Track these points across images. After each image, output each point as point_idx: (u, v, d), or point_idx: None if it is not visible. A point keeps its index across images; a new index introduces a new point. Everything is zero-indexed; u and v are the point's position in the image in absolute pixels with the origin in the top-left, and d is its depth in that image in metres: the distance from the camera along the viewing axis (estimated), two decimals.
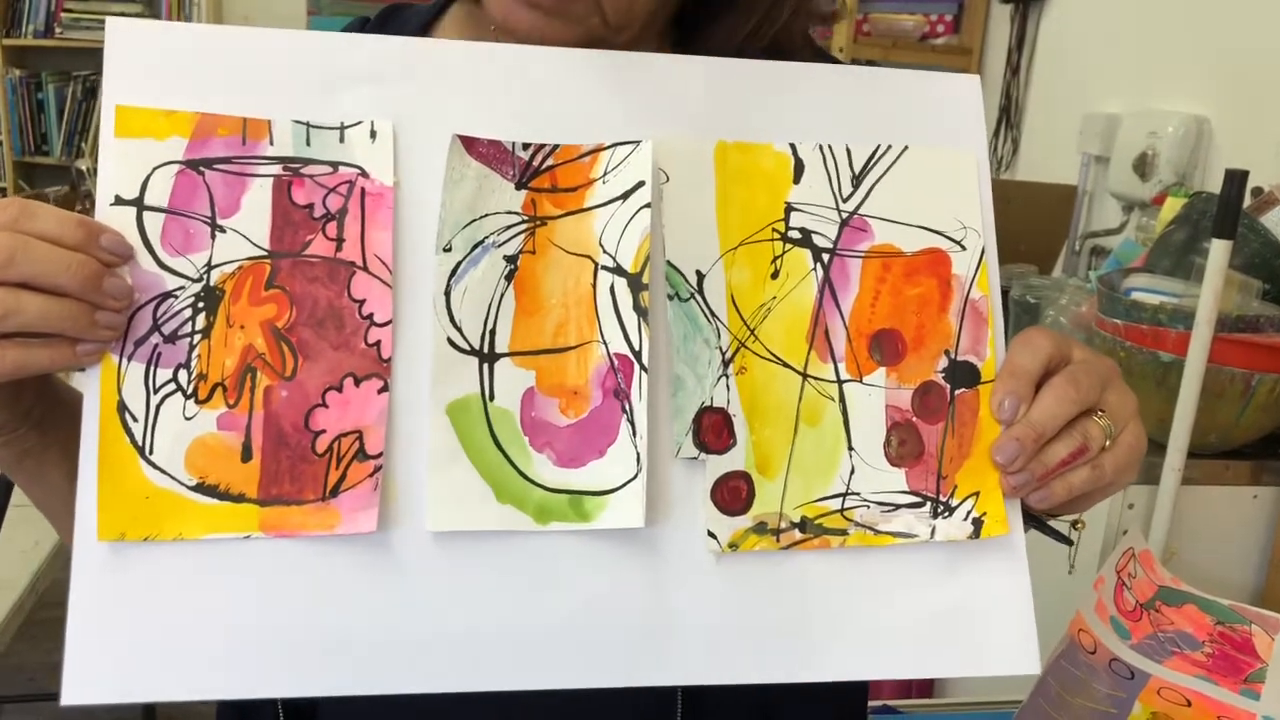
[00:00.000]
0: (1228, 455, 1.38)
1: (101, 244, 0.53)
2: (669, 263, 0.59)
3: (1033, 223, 2.11)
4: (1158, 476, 1.31)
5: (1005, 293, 1.49)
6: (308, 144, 0.57)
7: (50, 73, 4.43)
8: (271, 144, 0.57)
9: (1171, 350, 1.30)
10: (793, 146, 0.61)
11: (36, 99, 4.43)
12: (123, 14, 4.04)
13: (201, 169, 0.56)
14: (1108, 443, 0.59)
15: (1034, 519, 0.64)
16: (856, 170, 0.62)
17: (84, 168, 3.13)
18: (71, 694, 0.53)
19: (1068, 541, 0.68)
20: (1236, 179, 1.20)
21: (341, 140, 0.57)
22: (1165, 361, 1.30)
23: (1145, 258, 1.55)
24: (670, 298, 0.59)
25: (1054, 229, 2.22)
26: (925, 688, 1.79)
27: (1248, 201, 1.23)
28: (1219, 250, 1.22)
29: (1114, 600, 1.12)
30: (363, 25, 0.74)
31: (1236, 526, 1.40)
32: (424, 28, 0.73)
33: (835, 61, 0.72)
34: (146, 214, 0.55)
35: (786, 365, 0.60)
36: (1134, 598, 1.13)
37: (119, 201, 0.55)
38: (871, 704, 1.33)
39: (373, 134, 0.58)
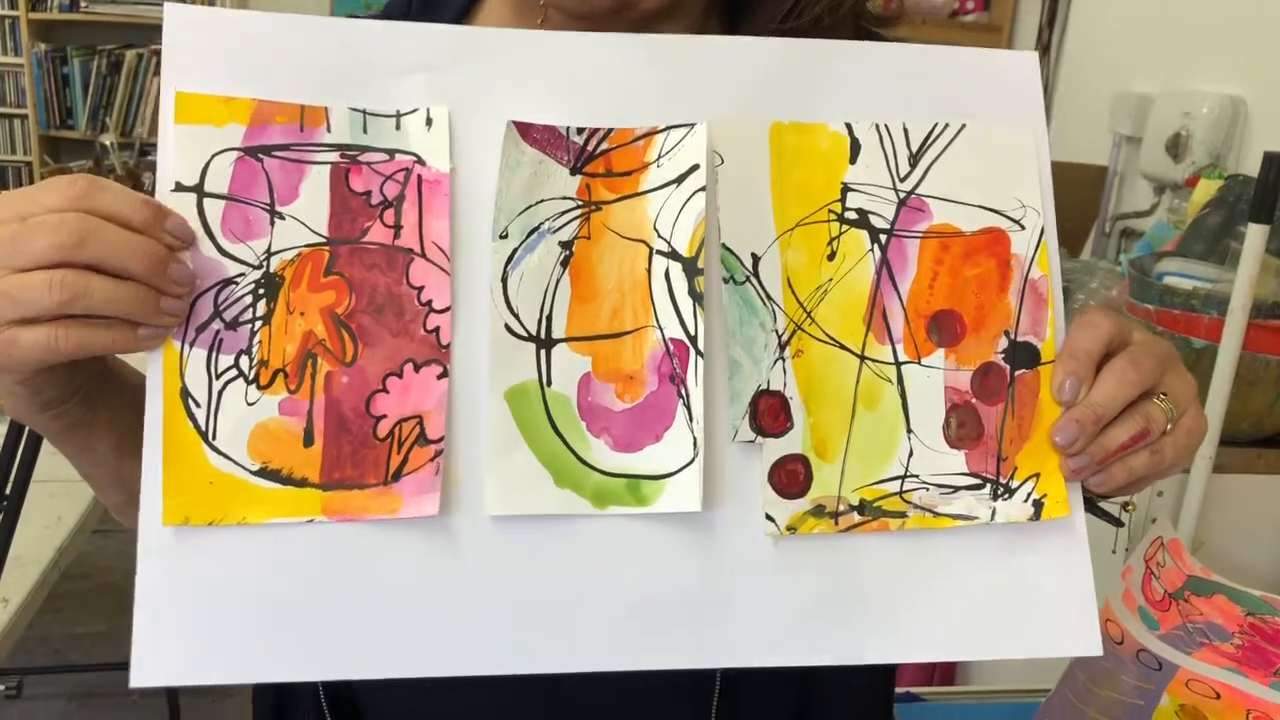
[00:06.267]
0: (1260, 444, 1.36)
1: (166, 227, 0.54)
2: (724, 246, 0.59)
3: (1063, 204, 2.08)
4: (1188, 465, 1.30)
5: None
6: (364, 131, 0.57)
7: (75, 47, 4.44)
8: (329, 131, 0.57)
9: (1204, 337, 1.28)
10: (849, 126, 0.61)
11: (62, 73, 4.44)
12: None
13: (260, 156, 0.56)
14: (1169, 426, 0.58)
15: (1085, 500, 0.63)
16: (914, 149, 0.61)
17: (108, 142, 3.14)
18: (140, 676, 0.53)
19: (1118, 523, 0.69)
20: (1275, 162, 1.19)
21: (398, 127, 0.58)
22: (1198, 348, 1.29)
23: (1179, 241, 1.54)
24: (726, 281, 0.59)
25: (1084, 210, 2.20)
26: (947, 675, 1.79)
27: None
28: (1255, 235, 1.20)
29: (1142, 590, 1.11)
30: (406, 4, 0.74)
31: (1268, 516, 1.39)
32: (468, 5, 0.73)
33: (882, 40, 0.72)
34: (206, 201, 0.55)
35: (844, 347, 0.59)
36: (1162, 587, 1.12)
37: (180, 188, 0.55)
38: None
39: (428, 121, 0.58)
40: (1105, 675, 1.07)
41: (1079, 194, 2.19)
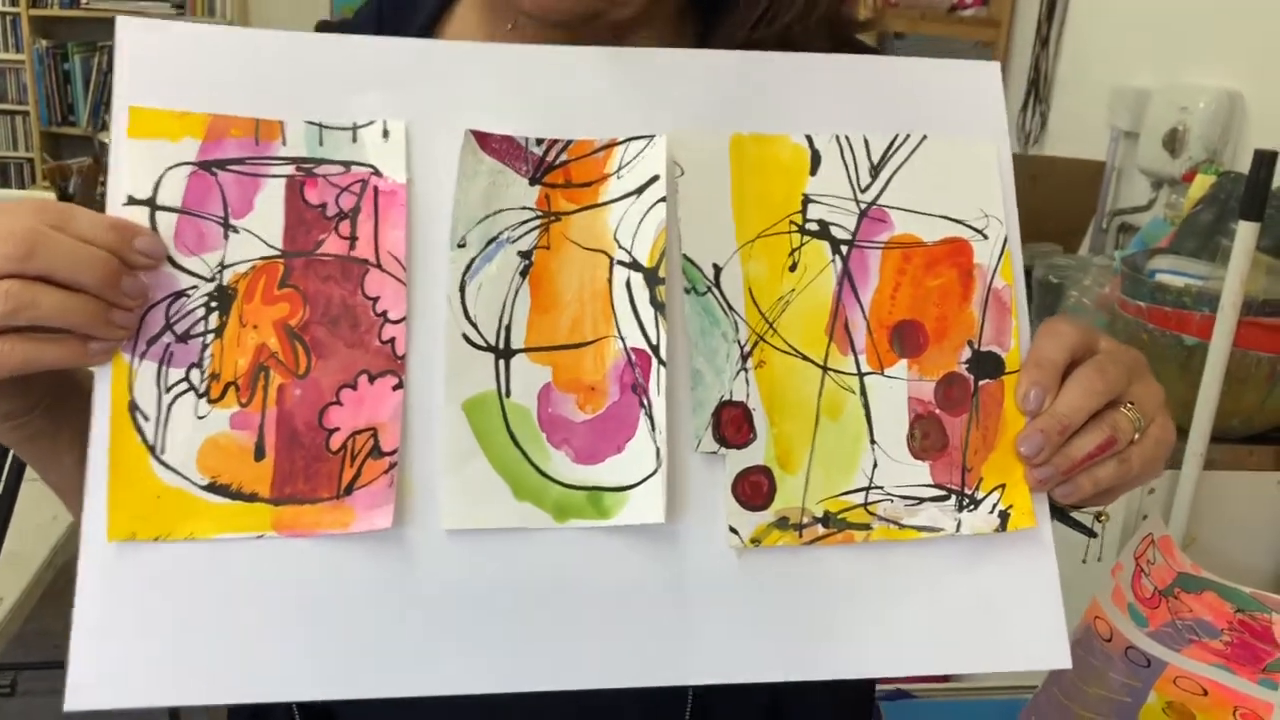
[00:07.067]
0: (1251, 440, 1.36)
1: (137, 247, 0.53)
2: (685, 256, 0.58)
3: (1060, 199, 2.08)
4: (1179, 461, 1.29)
5: (1028, 273, 1.46)
6: (320, 144, 0.57)
7: (76, 43, 4.45)
8: (284, 144, 0.56)
9: (1195, 334, 1.28)
10: (809, 138, 0.61)
11: (63, 69, 4.45)
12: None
13: (215, 170, 0.56)
14: (1136, 435, 0.58)
15: (1057, 511, 0.63)
16: (875, 161, 0.61)
17: (108, 140, 3.14)
18: (75, 699, 0.52)
19: (1091, 534, 0.68)
20: (1265, 160, 1.18)
21: (354, 140, 0.57)
22: (1189, 345, 1.29)
23: (1171, 239, 1.53)
24: (687, 291, 0.58)
25: (1082, 206, 2.20)
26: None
27: (1277, 182, 1.21)
28: (1246, 232, 1.20)
29: (1132, 587, 1.11)
30: (379, 6, 0.74)
31: (1258, 513, 1.38)
32: (438, 10, 0.72)
33: (863, 49, 0.71)
34: (159, 214, 0.55)
35: (806, 358, 0.59)
36: (1152, 584, 1.12)
37: (131, 201, 0.55)
38: (884, 688, 1.33)
39: (385, 133, 0.57)
40: (1093, 672, 1.07)
41: (1077, 189, 2.18)
